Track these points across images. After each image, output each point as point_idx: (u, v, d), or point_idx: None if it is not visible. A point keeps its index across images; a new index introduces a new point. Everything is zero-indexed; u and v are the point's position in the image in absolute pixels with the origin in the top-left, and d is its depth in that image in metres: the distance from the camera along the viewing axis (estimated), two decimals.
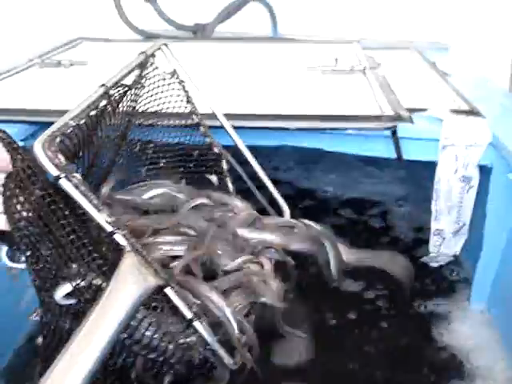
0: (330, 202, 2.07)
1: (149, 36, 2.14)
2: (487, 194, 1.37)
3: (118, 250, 0.59)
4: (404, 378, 1.36)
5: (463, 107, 1.43)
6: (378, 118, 1.28)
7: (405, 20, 2.22)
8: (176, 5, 2.17)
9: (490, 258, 1.44)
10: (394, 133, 1.31)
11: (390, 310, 1.54)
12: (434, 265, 1.53)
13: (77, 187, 0.56)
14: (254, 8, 2.27)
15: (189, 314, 0.62)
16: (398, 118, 1.28)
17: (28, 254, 0.63)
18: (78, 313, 0.63)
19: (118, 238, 0.58)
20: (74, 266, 0.60)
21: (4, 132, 0.63)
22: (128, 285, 0.56)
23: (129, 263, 0.57)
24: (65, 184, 0.55)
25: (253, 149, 1.11)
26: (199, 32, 2.18)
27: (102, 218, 0.57)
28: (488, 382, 1.32)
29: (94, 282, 0.60)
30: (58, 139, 0.56)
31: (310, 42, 2.10)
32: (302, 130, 1.30)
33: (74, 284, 0.60)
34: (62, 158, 0.55)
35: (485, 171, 1.36)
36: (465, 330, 1.47)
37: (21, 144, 1.23)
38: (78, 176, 0.56)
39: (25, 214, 0.61)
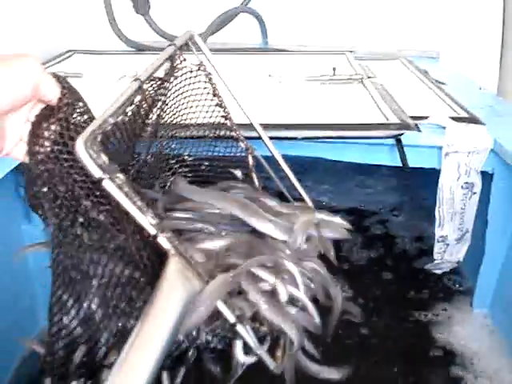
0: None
1: (141, 48, 2.13)
2: (488, 201, 1.38)
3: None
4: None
5: (463, 114, 1.44)
6: (385, 126, 1.28)
7: (393, 30, 2.24)
8: (167, 16, 2.16)
9: (491, 263, 1.46)
10: (399, 141, 1.32)
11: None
12: (438, 272, 1.54)
13: (120, 188, 0.54)
14: (243, 19, 2.27)
15: (232, 318, 0.60)
16: (405, 125, 1.28)
17: (45, 189, 0.62)
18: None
19: (162, 241, 0.56)
20: None
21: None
22: (176, 291, 0.54)
23: (175, 268, 0.55)
24: (108, 186, 0.53)
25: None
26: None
27: (146, 221, 0.55)
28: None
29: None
30: (99, 138, 0.55)
31: (302, 53, 2.11)
32: (310, 139, 1.29)
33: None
34: (105, 157, 0.53)
35: (486, 177, 1.37)
36: (468, 334, 1.48)
37: None
38: (122, 176, 0.54)
39: (42, 149, 0.61)
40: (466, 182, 1.37)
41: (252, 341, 0.61)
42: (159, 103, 0.83)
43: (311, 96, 1.57)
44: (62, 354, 0.63)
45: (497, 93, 2.07)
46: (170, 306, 0.53)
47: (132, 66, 1.84)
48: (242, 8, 2.22)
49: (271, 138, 1.23)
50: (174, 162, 0.93)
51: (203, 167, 0.96)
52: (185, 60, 0.88)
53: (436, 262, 1.48)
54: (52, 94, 0.64)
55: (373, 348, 1.47)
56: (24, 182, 0.69)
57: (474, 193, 1.38)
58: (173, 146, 0.93)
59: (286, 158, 1.39)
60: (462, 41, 2.23)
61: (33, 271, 1.44)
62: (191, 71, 0.89)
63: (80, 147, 0.52)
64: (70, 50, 2.08)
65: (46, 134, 0.62)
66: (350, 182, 2.23)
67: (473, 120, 1.40)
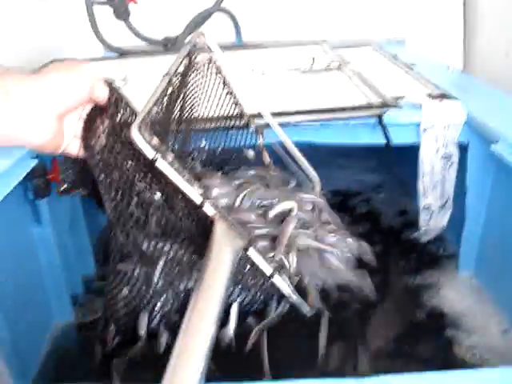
0: None
1: (122, 53, 2.20)
2: (466, 169, 1.50)
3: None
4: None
5: (436, 92, 1.56)
6: (369, 106, 1.39)
7: (360, 19, 2.36)
8: (145, 20, 2.24)
9: (473, 227, 1.58)
10: (381, 120, 1.43)
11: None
12: (425, 239, 1.65)
13: (171, 165, 0.63)
14: (217, 18, 2.36)
15: (269, 271, 0.69)
16: (386, 104, 1.39)
17: (101, 178, 0.71)
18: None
19: (208, 207, 0.65)
20: None
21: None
22: (225, 248, 0.63)
23: (221, 229, 0.65)
24: (161, 164, 0.63)
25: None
26: (170, 45, 2.26)
27: (194, 191, 0.64)
28: (485, 335, 1.45)
29: None
30: (148, 124, 0.64)
31: (278, 46, 2.20)
32: (302, 124, 1.39)
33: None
34: (156, 139, 0.63)
35: (462, 148, 1.49)
36: (456, 295, 1.59)
37: (35, 160, 1.28)
38: (171, 154, 0.63)
39: (98, 142, 0.70)
40: (445, 154, 1.48)
41: (288, 289, 0.71)
42: (182, 94, 0.92)
43: (295, 85, 1.67)
44: (123, 322, 0.72)
45: (462, 70, 2.21)
46: (222, 262, 0.62)
47: (117, 69, 1.92)
48: (216, 8, 2.30)
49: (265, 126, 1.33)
50: (192, 147, 1.02)
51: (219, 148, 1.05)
52: (198, 55, 0.97)
53: (422, 230, 1.60)
54: (103, 95, 0.74)
55: (365, 315, 1.56)
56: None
57: (452, 163, 1.50)
58: (192, 133, 1.02)
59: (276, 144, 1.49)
60: (426, 25, 2.37)
61: (45, 269, 1.51)
62: (204, 65, 0.98)
63: (135, 133, 0.62)
64: (54, 60, 2.14)
65: (101, 128, 0.71)
66: (335, 165, 2.34)
67: (446, 96, 1.52)
